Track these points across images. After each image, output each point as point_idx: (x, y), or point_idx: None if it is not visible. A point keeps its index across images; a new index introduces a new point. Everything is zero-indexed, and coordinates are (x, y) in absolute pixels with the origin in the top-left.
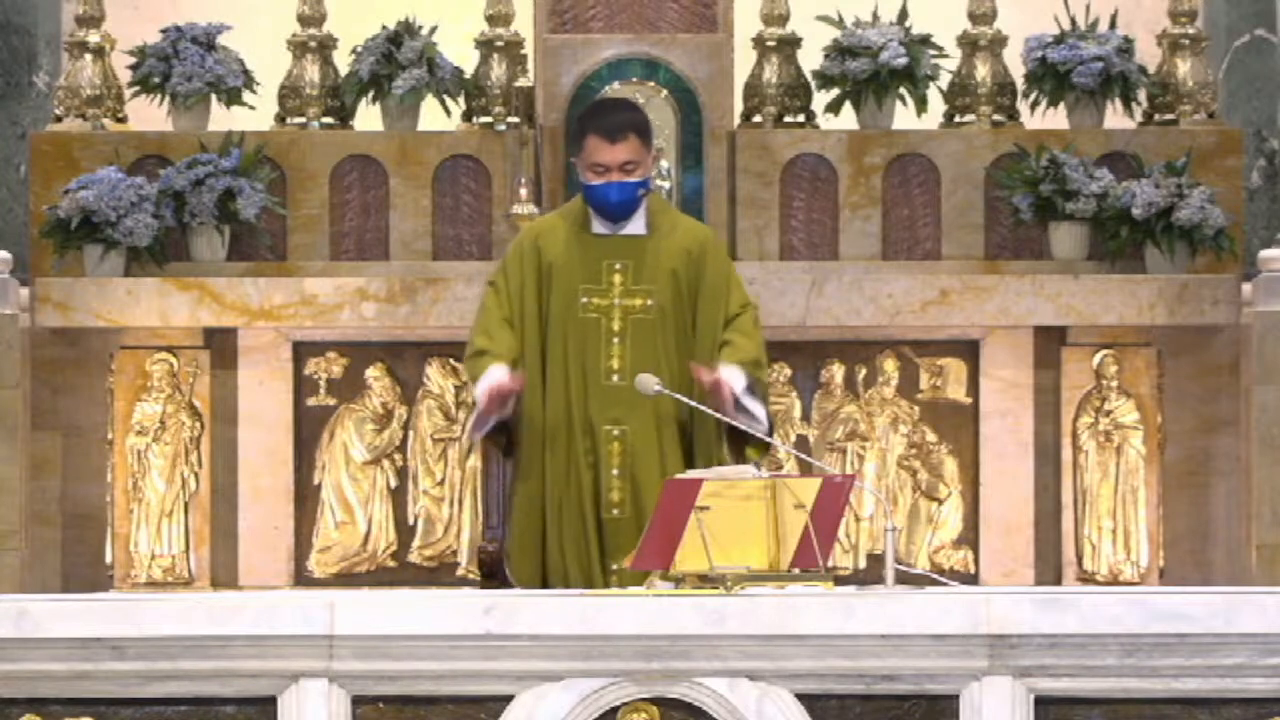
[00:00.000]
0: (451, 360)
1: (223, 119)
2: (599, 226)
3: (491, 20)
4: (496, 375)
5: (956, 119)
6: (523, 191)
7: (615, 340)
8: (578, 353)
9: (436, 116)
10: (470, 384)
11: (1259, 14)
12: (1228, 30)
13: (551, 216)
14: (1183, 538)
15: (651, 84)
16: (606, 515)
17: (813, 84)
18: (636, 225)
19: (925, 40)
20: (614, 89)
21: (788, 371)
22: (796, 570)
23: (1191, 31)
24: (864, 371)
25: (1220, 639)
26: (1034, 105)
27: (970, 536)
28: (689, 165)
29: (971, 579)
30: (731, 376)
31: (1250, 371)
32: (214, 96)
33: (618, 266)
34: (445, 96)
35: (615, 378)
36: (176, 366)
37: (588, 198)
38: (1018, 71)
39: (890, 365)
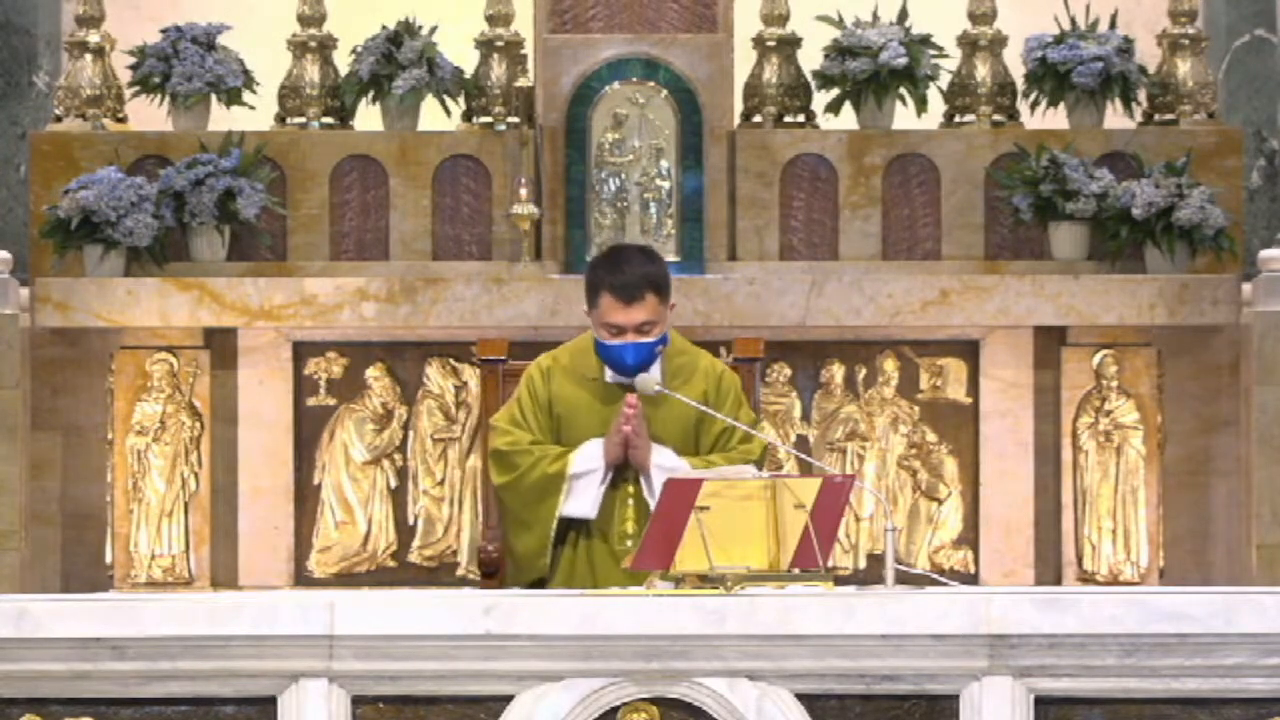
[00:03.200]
0: (452, 360)
1: (223, 119)
2: (613, 374)
3: (491, 20)
4: (593, 442)
5: (956, 119)
6: (523, 191)
7: (630, 502)
8: None
9: (436, 116)
10: (521, 488)
11: (1259, 14)
12: (1228, 30)
13: (561, 354)
14: (1183, 538)
15: (651, 84)
16: None
17: (813, 84)
18: (652, 376)
19: (925, 40)
20: (614, 89)
21: (788, 371)
22: (796, 570)
23: (1191, 31)
24: (864, 371)
25: (1220, 639)
26: (1034, 105)
27: (970, 536)
28: (689, 165)
29: (971, 579)
30: (664, 453)
31: (1250, 371)
32: (214, 96)
33: None
34: (445, 96)
35: (630, 543)
36: (176, 366)
37: (601, 355)
38: (1018, 71)
39: (890, 365)
